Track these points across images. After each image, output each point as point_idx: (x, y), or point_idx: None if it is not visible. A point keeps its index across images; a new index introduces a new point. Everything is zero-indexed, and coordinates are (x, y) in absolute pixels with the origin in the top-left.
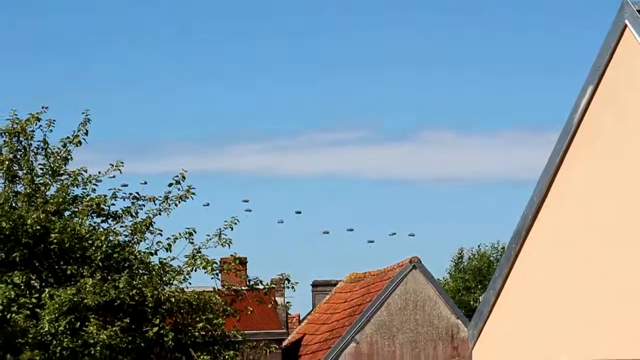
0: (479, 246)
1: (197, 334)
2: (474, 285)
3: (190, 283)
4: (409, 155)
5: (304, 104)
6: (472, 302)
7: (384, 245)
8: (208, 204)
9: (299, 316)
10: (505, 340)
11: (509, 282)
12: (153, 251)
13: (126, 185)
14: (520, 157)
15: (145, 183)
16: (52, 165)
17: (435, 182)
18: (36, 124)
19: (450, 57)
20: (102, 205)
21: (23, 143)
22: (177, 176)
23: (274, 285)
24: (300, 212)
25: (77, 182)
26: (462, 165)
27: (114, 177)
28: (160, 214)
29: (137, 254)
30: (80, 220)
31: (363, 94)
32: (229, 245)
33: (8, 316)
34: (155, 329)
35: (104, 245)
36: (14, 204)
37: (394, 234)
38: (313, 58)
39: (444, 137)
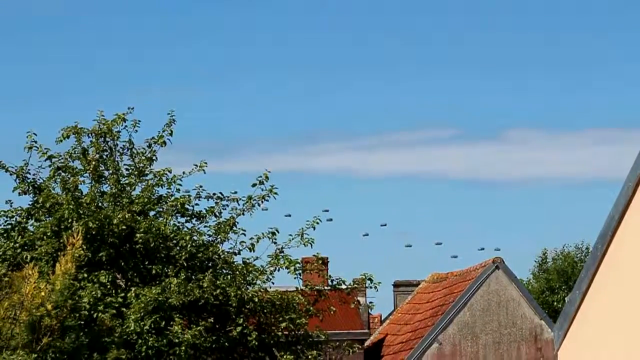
0: (563, 247)
1: (280, 333)
2: (557, 286)
3: (273, 283)
4: (495, 156)
5: (387, 103)
6: (555, 303)
7: (468, 258)
8: (290, 215)
9: (380, 316)
10: (592, 343)
11: (595, 283)
12: (236, 251)
13: (210, 195)
14: (608, 157)
15: (236, 193)
16: (138, 166)
17: (520, 182)
18: (122, 125)
19: (540, 56)
20: (186, 205)
21: (109, 143)
22: (260, 176)
23: (356, 285)
24: (385, 225)
25: (161, 182)
26: (548, 165)
27: (201, 187)
28: (243, 214)
29: (221, 253)
30: (165, 220)
31: (449, 93)
32: (312, 245)
33: (95, 315)
34: (239, 328)
35: (189, 245)
36: (100, 204)
37: (482, 249)
38: (396, 56)
39: (531, 136)
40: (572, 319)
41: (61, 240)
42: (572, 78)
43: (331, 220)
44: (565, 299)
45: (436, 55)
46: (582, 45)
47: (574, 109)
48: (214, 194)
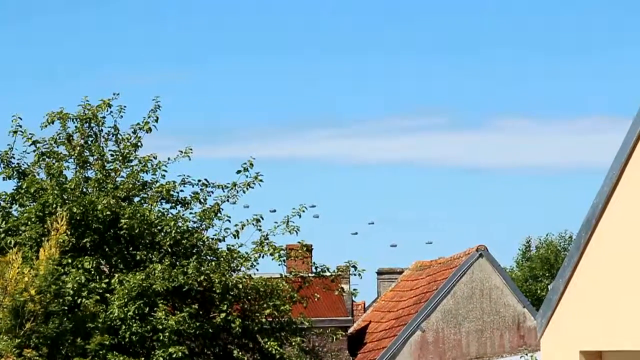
0: (546, 235)
1: (264, 320)
2: (541, 274)
3: (257, 270)
4: (483, 144)
5: (377, 89)
6: (539, 291)
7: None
8: (275, 211)
9: (364, 304)
10: (574, 330)
11: (578, 271)
12: (221, 237)
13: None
14: (593, 145)
15: (227, 185)
16: (123, 152)
17: (507, 170)
18: (107, 110)
19: (534, 43)
20: (171, 192)
21: (94, 129)
22: (245, 163)
23: (340, 273)
24: (373, 223)
25: (146, 168)
26: (534, 154)
27: (188, 177)
28: (228, 201)
29: (206, 240)
30: (149, 206)
31: (439, 80)
32: (297, 233)
33: (78, 301)
34: (223, 315)
35: (173, 231)
36: (85, 190)
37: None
38: (386, 42)
39: (520, 125)
40: (555, 306)
41: (45, 226)
42: (564, 67)
43: (317, 217)
44: (549, 287)
45: (424, 41)
46: (578, 30)
47: (562, 97)
48: (199, 180)
